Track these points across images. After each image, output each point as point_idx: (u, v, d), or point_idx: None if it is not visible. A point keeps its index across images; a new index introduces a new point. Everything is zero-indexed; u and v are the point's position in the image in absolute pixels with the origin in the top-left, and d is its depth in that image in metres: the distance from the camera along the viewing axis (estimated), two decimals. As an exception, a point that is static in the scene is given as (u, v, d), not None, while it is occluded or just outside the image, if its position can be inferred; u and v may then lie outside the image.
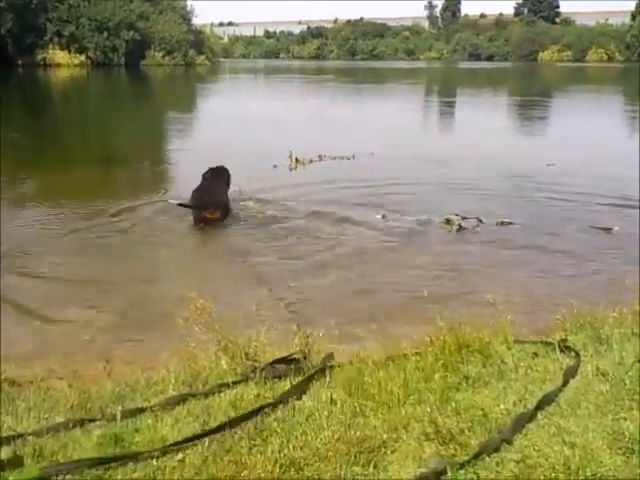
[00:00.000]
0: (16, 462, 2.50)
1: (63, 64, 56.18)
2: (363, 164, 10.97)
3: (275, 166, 10.54)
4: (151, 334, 4.37)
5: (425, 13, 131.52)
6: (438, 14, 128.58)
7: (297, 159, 10.87)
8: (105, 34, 57.79)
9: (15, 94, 32.24)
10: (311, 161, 10.98)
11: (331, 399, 3.01)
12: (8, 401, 3.11)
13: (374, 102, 29.64)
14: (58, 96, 32.62)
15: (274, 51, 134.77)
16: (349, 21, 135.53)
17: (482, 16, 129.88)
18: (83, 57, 58.15)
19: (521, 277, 5.54)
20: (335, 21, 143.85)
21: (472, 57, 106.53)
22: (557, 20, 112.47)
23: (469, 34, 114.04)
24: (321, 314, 4.56)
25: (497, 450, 2.58)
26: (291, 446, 2.63)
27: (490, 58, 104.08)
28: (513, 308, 3.86)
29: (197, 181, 7.71)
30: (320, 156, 11.30)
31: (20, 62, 54.56)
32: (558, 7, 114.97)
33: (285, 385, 3.16)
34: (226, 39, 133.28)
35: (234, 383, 3.18)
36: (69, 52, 57.56)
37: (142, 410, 2.90)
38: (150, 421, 2.82)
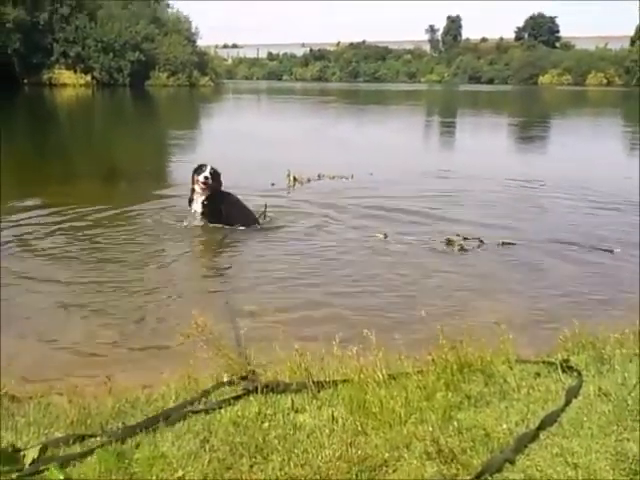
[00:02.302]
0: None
1: (69, 84, 56.70)
2: (362, 183, 10.97)
3: (273, 184, 10.57)
4: (151, 350, 4.35)
5: (427, 36, 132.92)
6: (439, 37, 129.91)
7: (295, 178, 10.88)
8: (111, 55, 58.41)
9: (21, 112, 32.46)
10: (309, 180, 11.00)
11: (332, 417, 3.00)
12: (8, 416, 3.10)
13: (375, 123, 29.79)
14: (64, 115, 32.85)
15: (277, 73, 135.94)
16: (351, 44, 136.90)
17: (483, 40, 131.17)
18: (89, 77, 58.74)
19: (523, 297, 5.52)
20: (338, 44, 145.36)
21: (473, 80, 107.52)
22: (557, 44, 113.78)
23: (470, 57, 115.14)
24: (321, 331, 4.55)
25: (500, 470, 2.56)
26: (292, 464, 2.62)
27: (490, 81, 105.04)
28: (515, 328, 3.86)
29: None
30: (319, 175, 11.32)
31: (26, 81, 55.05)
32: (558, 32, 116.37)
33: (286, 401, 3.14)
34: (230, 61, 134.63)
35: (234, 398, 3.17)
36: (75, 72, 58.14)
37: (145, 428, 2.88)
38: (151, 438, 2.81)
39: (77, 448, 2.74)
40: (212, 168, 7.57)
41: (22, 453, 2.59)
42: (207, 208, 7.55)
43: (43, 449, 2.65)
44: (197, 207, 7.60)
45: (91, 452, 2.68)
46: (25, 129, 24.06)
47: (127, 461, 2.62)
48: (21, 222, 7.84)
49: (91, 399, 3.26)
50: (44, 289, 5.54)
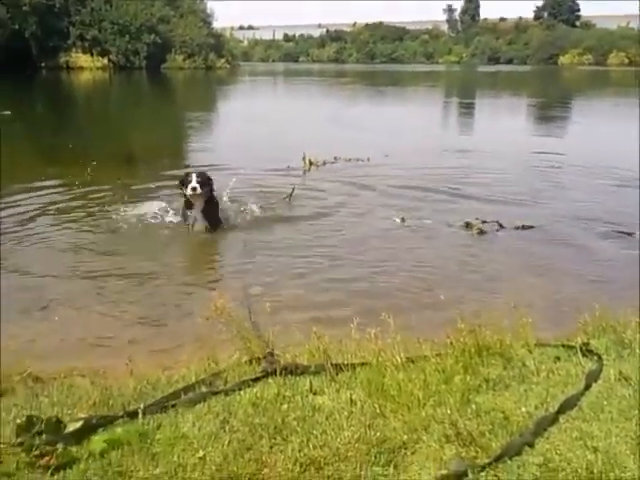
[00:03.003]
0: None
1: (86, 67, 56.86)
2: (378, 166, 10.91)
3: (289, 167, 10.56)
4: (171, 333, 4.39)
5: (444, 17, 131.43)
6: (457, 18, 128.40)
7: (310, 161, 10.85)
8: (127, 37, 58.39)
9: (39, 96, 32.66)
10: (324, 163, 10.96)
11: (351, 399, 3.01)
12: (32, 397, 3.15)
13: (392, 104, 29.62)
14: (81, 98, 32.99)
15: (293, 55, 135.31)
16: (368, 25, 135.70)
17: (502, 19, 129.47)
18: (105, 60, 58.83)
19: (542, 280, 5.49)
20: (354, 25, 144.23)
21: (491, 61, 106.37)
22: (577, 23, 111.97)
23: (488, 38, 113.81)
24: (339, 313, 4.57)
25: (519, 453, 2.56)
26: (311, 445, 2.64)
27: (509, 62, 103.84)
28: (534, 311, 3.84)
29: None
30: (335, 157, 11.27)
31: (44, 65, 55.26)
32: (579, 10, 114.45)
33: (305, 383, 3.16)
34: (246, 42, 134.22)
35: (254, 380, 3.19)
36: (91, 55, 58.27)
37: (165, 407, 2.92)
38: (172, 418, 2.84)
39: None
40: (198, 175, 6.97)
41: (64, 424, 2.67)
42: (206, 214, 7.04)
43: (86, 423, 2.71)
44: (197, 214, 7.01)
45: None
46: (43, 112, 24.23)
47: (149, 441, 2.65)
48: (38, 202, 7.94)
49: (113, 381, 3.30)
50: (65, 273, 5.59)
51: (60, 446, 2.53)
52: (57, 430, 2.60)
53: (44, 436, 2.55)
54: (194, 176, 6.93)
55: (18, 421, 2.67)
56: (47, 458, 2.45)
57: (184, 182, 6.96)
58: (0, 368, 3.39)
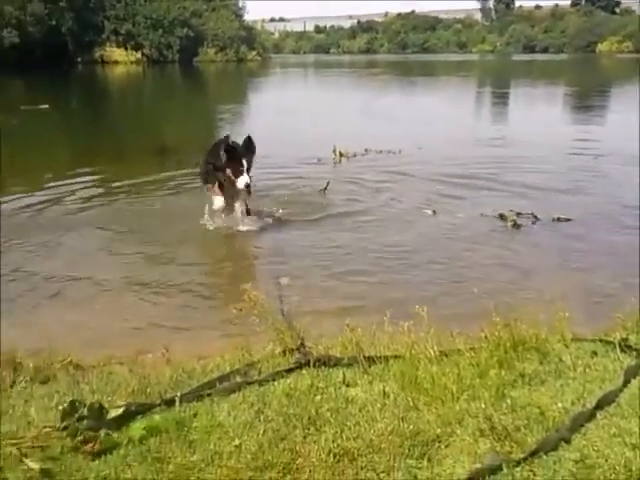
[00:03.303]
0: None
1: (120, 61, 57.64)
2: (410, 158, 10.83)
3: (319, 159, 10.55)
4: (206, 323, 4.45)
5: (478, 5, 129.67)
6: (491, 6, 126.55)
7: (341, 153, 10.81)
8: (160, 31, 58.99)
9: (76, 90, 33.18)
10: (355, 155, 10.91)
11: (384, 392, 3.02)
12: (73, 384, 3.23)
13: (424, 95, 29.41)
14: (116, 91, 33.45)
15: (324, 46, 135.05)
16: (400, 14, 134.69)
17: (537, 7, 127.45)
18: (139, 54, 59.51)
19: (579, 274, 5.39)
20: (386, 15, 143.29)
21: (526, 49, 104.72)
22: (617, 10, 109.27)
23: (523, 26, 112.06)
24: (371, 305, 4.57)
25: (555, 449, 2.54)
26: (344, 436, 2.66)
27: (545, 50, 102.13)
28: (571, 306, 3.77)
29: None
30: (366, 149, 11.20)
31: (79, 59, 56.15)
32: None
33: (338, 375, 3.18)
34: (277, 35, 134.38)
35: (287, 371, 3.22)
36: (125, 49, 59.04)
37: (200, 396, 2.96)
38: (208, 407, 2.89)
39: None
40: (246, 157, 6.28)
41: (106, 410, 2.75)
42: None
43: (127, 410, 2.78)
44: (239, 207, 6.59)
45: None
46: (79, 106, 24.61)
47: (186, 429, 2.70)
48: (76, 195, 8.10)
49: (150, 369, 3.36)
50: (103, 263, 5.69)
51: (102, 432, 2.60)
52: (99, 416, 2.68)
53: (87, 421, 2.61)
54: (244, 163, 6.15)
55: (62, 406, 2.74)
56: (91, 444, 2.52)
57: (237, 171, 6.13)
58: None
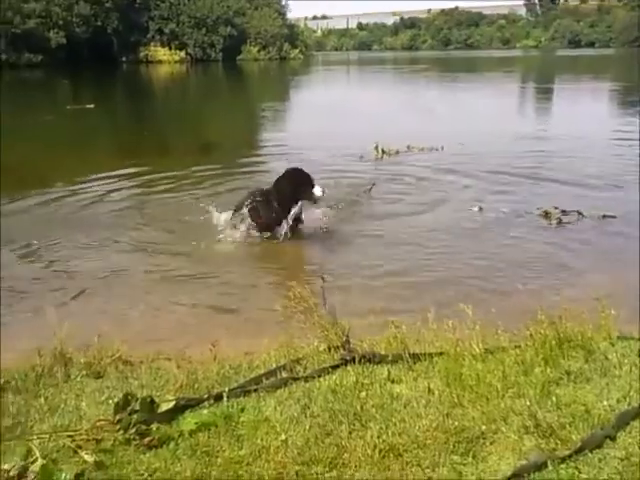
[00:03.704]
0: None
1: (164, 60, 58.63)
2: (453, 155, 10.76)
3: (361, 157, 10.57)
4: (253, 319, 4.52)
5: (522, 0, 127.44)
6: (536, 1, 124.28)
7: (383, 150, 10.78)
8: (204, 30, 59.77)
9: (121, 89, 33.86)
10: (397, 152, 10.88)
11: (429, 389, 3.04)
12: (122, 379, 3.34)
13: (467, 91, 29.09)
14: (161, 91, 34.00)
15: (367, 43, 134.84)
16: (443, 10, 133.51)
17: (583, 1, 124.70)
18: (183, 53, 60.43)
19: (625, 272, 5.30)
20: (429, 11, 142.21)
21: (572, 44, 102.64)
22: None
23: (569, 21, 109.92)
24: (416, 302, 4.58)
25: (600, 446, 2.54)
26: (390, 432, 2.69)
27: (591, 45, 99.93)
28: (617, 303, 3.72)
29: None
30: (408, 146, 11.14)
31: (124, 59, 57.30)
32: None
33: (383, 372, 3.22)
34: (319, 32, 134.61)
35: (332, 368, 3.27)
36: (170, 49, 60.05)
37: (247, 391, 3.04)
38: (255, 402, 2.96)
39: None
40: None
41: (157, 404, 2.84)
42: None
43: (177, 404, 2.87)
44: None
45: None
46: (125, 105, 25.11)
47: (234, 423, 2.77)
48: (120, 191, 8.31)
49: (198, 365, 3.44)
50: (149, 260, 5.83)
51: (154, 425, 2.69)
52: (151, 410, 2.76)
53: (139, 415, 2.70)
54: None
55: (114, 400, 2.84)
56: (149, 438, 2.60)
57: (307, 184, 6.08)
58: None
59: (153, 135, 15.39)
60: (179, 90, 34.60)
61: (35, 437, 2.68)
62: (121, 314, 4.62)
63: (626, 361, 3.25)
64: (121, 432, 2.64)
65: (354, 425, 2.76)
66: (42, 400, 3.06)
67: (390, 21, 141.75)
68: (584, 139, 12.39)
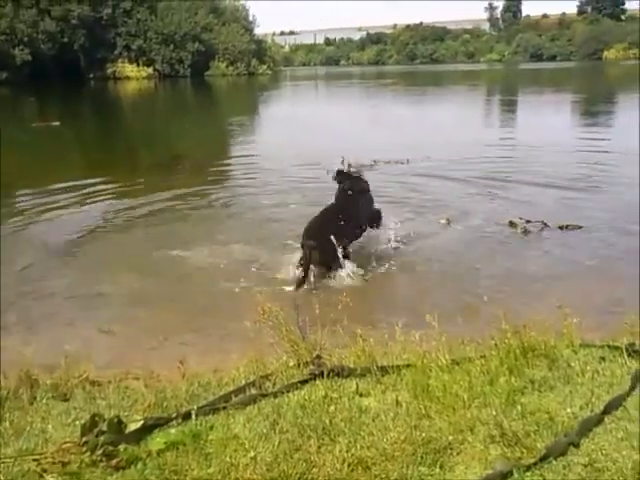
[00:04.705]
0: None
1: (132, 77, 58.36)
2: (418, 168, 10.86)
3: (328, 172, 10.59)
4: (221, 336, 4.52)
5: (486, 15, 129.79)
6: (499, 16, 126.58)
7: (349, 164, 10.76)
8: (171, 46, 59.67)
9: (88, 106, 33.55)
10: (363, 166, 10.88)
11: (396, 401, 3.06)
12: (90, 400, 3.30)
13: (433, 104, 29.50)
14: (128, 107, 33.77)
15: (334, 58, 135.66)
16: (408, 26, 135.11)
17: (544, 16, 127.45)
18: (151, 69, 60.19)
19: (587, 281, 5.44)
20: (394, 27, 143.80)
21: (534, 58, 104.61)
22: (623, 17, 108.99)
23: (531, 35, 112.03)
24: (383, 315, 4.63)
25: (564, 453, 2.58)
26: (358, 446, 2.70)
27: (553, 58, 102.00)
28: (579, 312, 3.80)
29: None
30: (374, 161, 11.18)
31: (92, 75, 56.87)
32: (623, 4, 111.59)
33: (351, 385, 3.23)
34: (287, 48, 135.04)
35: (301, 383, 3.28)
36: (137, 65, 59.81)
37: (216, 409, 3.03)
38: (224, 420, 2.95)
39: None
40: None
41: (125, 425, 2.80)
42: None
43: (145, 424, 2.84)
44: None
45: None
46: (92, 122, 24.90)
47: (202, 442, 2.76)
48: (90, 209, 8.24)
49: (166, 383, 3.42)
50: (114, 279, 5.78)
51: (122, 446, 2.66)
52: (119, 430, 2.73)
53: (106, 436, 2.67)
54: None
55: (82, 421, 2.81)
56: (117, 459, 2.57)
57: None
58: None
59: (120, 152, 15.31)
60: (147, 106, 34.41)
61: (0, 461, 2.63)
62: (85, 334, 4.57)
63: (588, 368, 3.31)
64: (88, 454, 2.60)
65: (323, 440, 2.77)
66: (7, 423, 3.01)
67: (357, 36, 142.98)
68: (549, 146, 12.73)
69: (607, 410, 2.85)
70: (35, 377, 3.45)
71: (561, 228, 6.93)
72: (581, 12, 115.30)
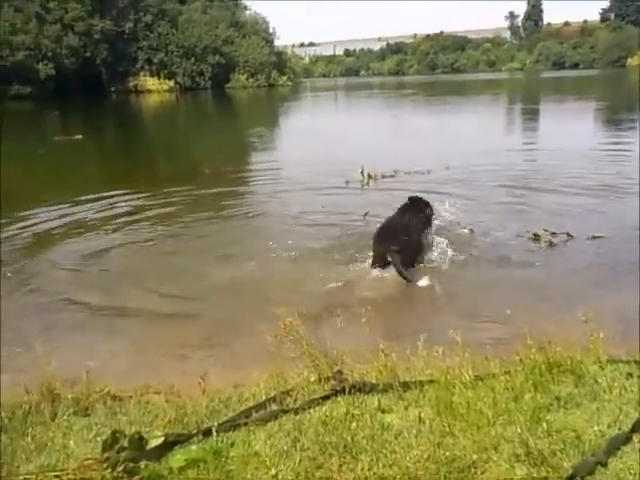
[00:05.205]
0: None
1: (153, 90, 58.98)
2: (439, 178, 10.80)
3: (347, 182, 10.58)
4: (242, 351, 4.50)
5: (506, 23, 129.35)
6: (520, 24, 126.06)
7: (369, 175, 10.76)
8: (192, 59, 60.29)
9: (110, 120, 33.93)
10: (383, 176, 10.89)
11: (419, 418, 3.02)
12: (111, 415, 3.30)
13: (454, 113, 29.35)
14: (149, 120, 34.11)
15: (354, 69, 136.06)
16: (428, 36, 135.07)
17: (566, 24, 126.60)
18: (172, 82, 60.84)
19: (613, 294, 5.33)
20: (415, 36, 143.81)
21: (556, 66, 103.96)
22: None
23: (553, 43, 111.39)
24: (405, 330, 4.58)
25: (591, 473, 2.53)
26: (381, 464, 2.67)
27: (575, 66, 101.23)
28: (605, 326, 3.73)
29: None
30: (395, 171, 11.19)
31: (113, 89, 57.56)
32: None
33: (373, 401, 3.19)
34: (307, 59, 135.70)
35: (323, 399, 3.24)
36: (159, 78, 60.46)
37: (237, 425, 3.01)
38: (244, 436, 2.92)
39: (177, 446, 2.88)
40: None
41: (146, 441, 2.80)
42: None
43: (166, 440, 2.83)
44: None
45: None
46: (114, 135, 25.17)
47: (223, 459, 2.74)
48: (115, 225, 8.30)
49: (187, 398, 3.41)
50: (138, 294, 5.80)
51: (143, 463, 2.65)
52: (139, 447, 2.73)
53: (127, 452, 2.67)
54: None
55: (102, 438, 2.80)
56: (138, 476, 2.56)
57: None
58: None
59: (142, 165, 15.44)
60: (169, 119, 34.74)
61: (22, 477, 2.64)
62: (108, 348, 4.58)
63: (616, 384, 3.24)
64: (109, 470, 2.60)
65: (345, 458, 2.74)
66: (29, 439, 3.03)
67: (376, 47, 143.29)
68: (573, 153, 12.66)
69: (635, 428, 2.79)
70: (57, 392, 3.46)
71: (587, 239, 6.82)
72: (604, 19, 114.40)
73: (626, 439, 2.73)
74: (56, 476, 2.62)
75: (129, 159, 16.71)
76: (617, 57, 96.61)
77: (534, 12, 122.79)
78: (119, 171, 14.51)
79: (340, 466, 2.67)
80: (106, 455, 2.67)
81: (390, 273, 5.97)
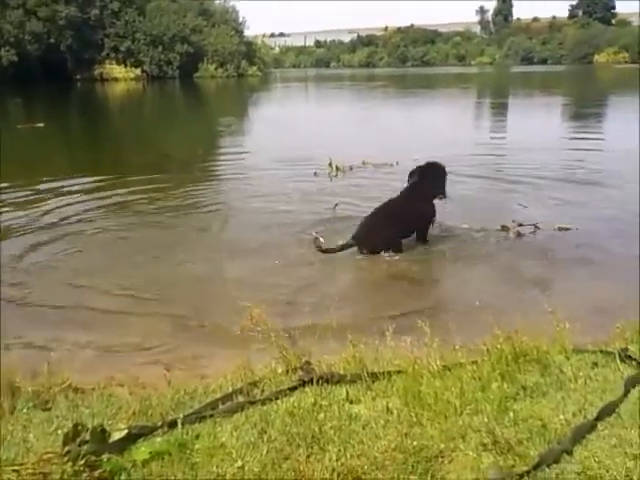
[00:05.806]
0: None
1: (120, 78, 58.08)
2: (407, 169, 10.78)
3: (316, 173, 10.55)
4: (208, 342, 4.44)
5: (477, 18, 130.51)
6: (490, 18, 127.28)
7: (337, 167, 10.72)
8: (160, 48, 59.49)
9: (74, 108, 33.33)
10: (351, 168, 10.87)
11: (387, 408, 3.01)
12: (72, 408, 3.21)
13: (423, 106, 29.54)
14: (116, 108, 33.59)
15: (324, 60, 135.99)
16: (399, 28, 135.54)
17: (535, 19, 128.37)
18: (139, 71, 60.02)
19: (579, 285, 5.40)
20: (385, 29, 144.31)
21: (525, 61, 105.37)
22: (613, 21, 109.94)
23: (522, 38, 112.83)
24: (375, 321, 4.56)
25: (557, 461, 2.54)
26: (348, 455, 2.64)
27: (543, 62, 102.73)
28: (571, 316, 3.76)
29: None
30: (363, 162, 11.14)
31: (79, 77, 56.53)
32: (614, 8, 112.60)
33: (341, 392, 3.17)
34: (277, 49, 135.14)
35: (290, 390, 3.21)
36: (125, 66, 59.57)
37: (203, 417, 2.96)
38: (210, 428, 2.88)
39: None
40: None
41: (108, 434, 2.73)
42: None
43: (129, 433, 2.76)
44: None
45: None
46: (78, 124, 24.72)
47: (188, 451, 2.69)
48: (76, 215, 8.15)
49: (151, 391, 3.35)
50: (98, 283, 5.68)
51: (105, 456, 2.59)
52: (102, 440, 2.66)
53: (89, 445, 2.60)
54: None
55: (63, 431, 2.73)
56: (100, 470, 2.50)
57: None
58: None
59: (105, 153, 15.21)
60: (135, 107, 34.24)
61: (-22, 473, 2.56)
62: (71, 339, 4.48)
63: (581, 374, 3.28)
64: (70, 464, 2.52)
65: (312, 448, 2.71)
66: (-14, 433, 2.93)
67: (347, 38, 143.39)
68: (541, 146, 12.84)
69: (600, 417, 2.81)
70: (17, 384, 3.37)
71: (553, 230, 6.90)
72: (572, 16, 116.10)
73: (591, 427, 2.75)
74: (15, 470, 2.54)
75: (93, 147, 16.41)
76: (584, 53, 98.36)
77: (504, 7, 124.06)
78: (81, 159, 14.26)
79: (307, 457, 2.64)
80: (67, 449, 2.59)
81: (365, 260, 6.00)
